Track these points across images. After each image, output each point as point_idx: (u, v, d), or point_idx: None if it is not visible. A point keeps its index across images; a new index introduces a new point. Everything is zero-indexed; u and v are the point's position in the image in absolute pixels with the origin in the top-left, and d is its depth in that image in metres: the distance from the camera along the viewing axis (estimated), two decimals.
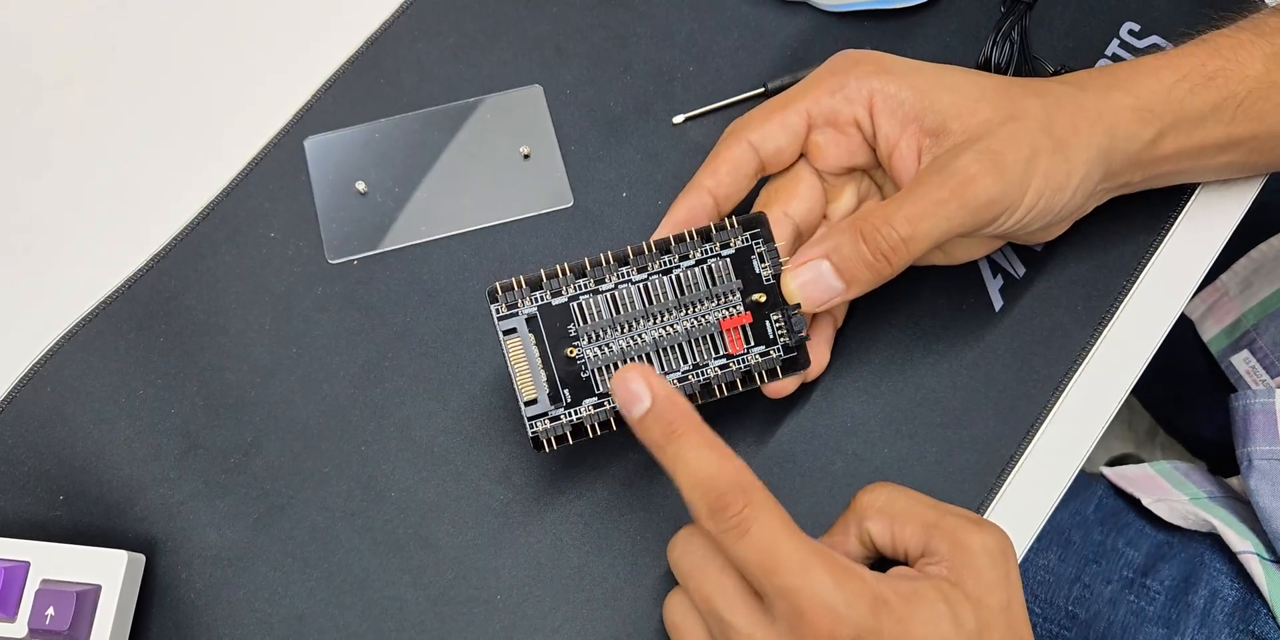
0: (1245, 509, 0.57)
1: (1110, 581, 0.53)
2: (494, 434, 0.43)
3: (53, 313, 0.45)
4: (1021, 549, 0.42)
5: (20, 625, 0.39)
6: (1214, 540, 0.54)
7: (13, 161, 0.48)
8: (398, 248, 0.46)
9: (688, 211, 0.39)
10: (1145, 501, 0.56)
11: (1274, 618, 0.50)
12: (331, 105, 0.48)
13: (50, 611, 0.38)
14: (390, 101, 0.48)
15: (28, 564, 0.40)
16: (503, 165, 0.47)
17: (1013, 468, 0.43)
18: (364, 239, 0.46)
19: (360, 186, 0.47)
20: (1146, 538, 0.55)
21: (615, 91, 0.48)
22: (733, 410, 0.43)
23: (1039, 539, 0.53)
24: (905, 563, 0.36)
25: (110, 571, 0.40)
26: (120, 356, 0.44)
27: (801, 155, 0.41)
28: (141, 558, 0.41)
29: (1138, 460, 1.10)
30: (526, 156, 0.47)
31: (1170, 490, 0.58)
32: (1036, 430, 0.43)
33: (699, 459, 0.33)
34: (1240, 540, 0.52)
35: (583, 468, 0.43)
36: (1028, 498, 0.43)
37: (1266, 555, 0.52)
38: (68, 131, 0.49)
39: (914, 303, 0.45)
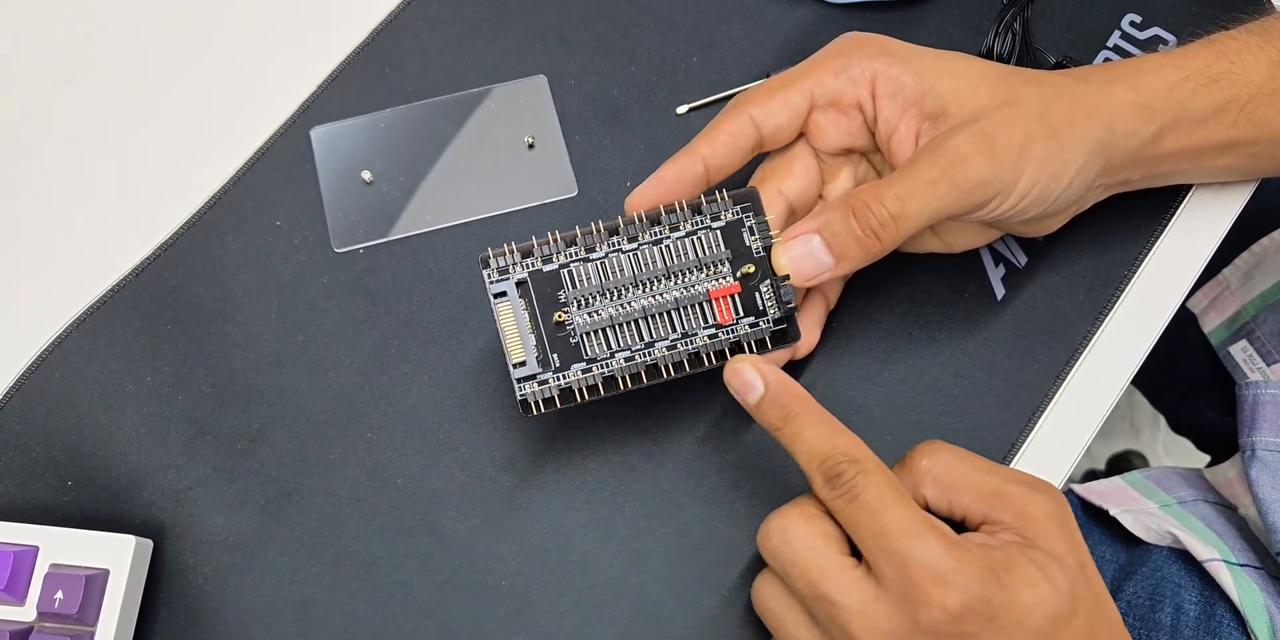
0: (1216, 511, 0.57)
1: None
2: (499, 421, 0.44)
3: (61, 300, 0.45)
4: None
5: (29, 609, 0.39)
6: (1175, 553, 0.54)
7: (21, 151, 0.49)
8: (403, 236, 0.46)
9: (676, 173, 0.39)
10: (1112, 511, 0.56)
11: (1241, 625, 0.50)
12: (337, 95, 0.49)
13: (59, 595, 0.38)
14: (395, 92, 0.49)
15: (36, 548, 0.40)
16: (507, 155, 0.48)
17: (1014, 455, 0.43)
18: (369, 228, 0.46)
19: (366, 176, 0.47)
20: (1109, 563, 0.55)
21: (619, 81, 0.49)
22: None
23: None
24: (963, 524, 0.37)
25: (118, 556, 0.40)
26: (127, 344, 0.45)
27: (801, 135, 0.41)
28: (149, 543, 0.42)
29: (1140, 456, 1.11)
30: (531, 146, 0.48)
31: (1140, 500, 0.58)
32: (1038, 418, 0.43)
33: (815, 436, 0.35)
34: (1206, 548, 0.52)
35: (587, 454, 0.43)
36: None
37: (1235, 560, 0.52)
38: (76, 121, 0.49)
39: (916, 291, 0.45)
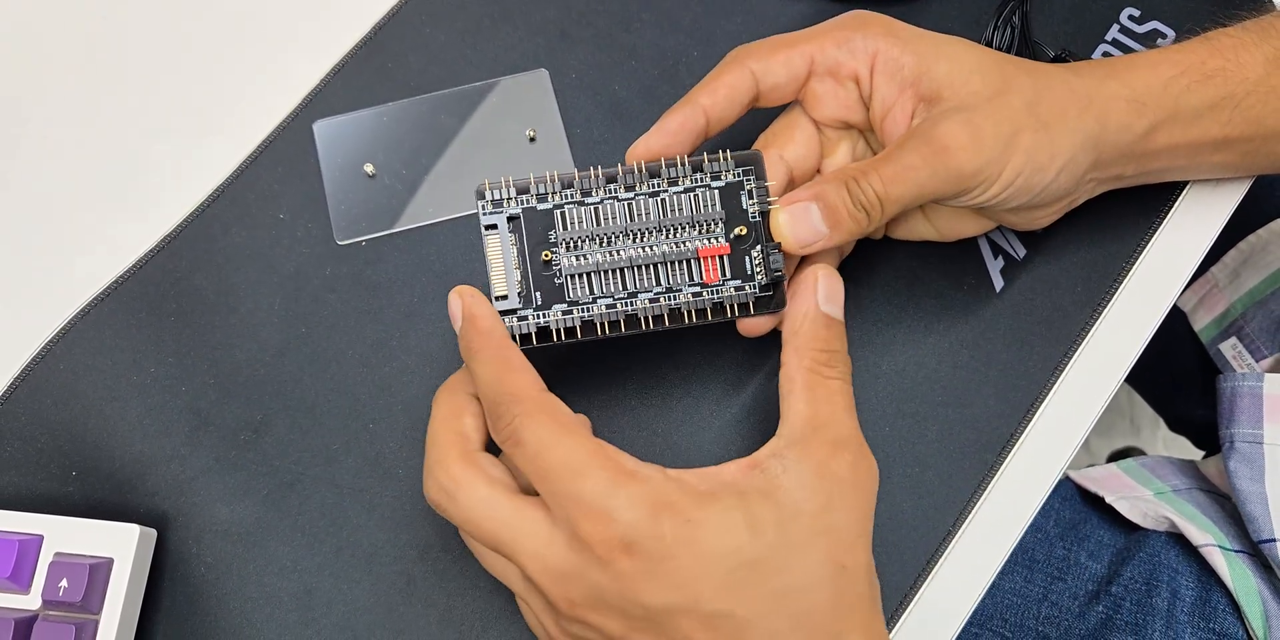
0: (1210, 499, 0.57)
1: (1077, 596, 0.53)
2: None
3: (66, 292, 0.46)
4: (1019, 527, 0.42)
5: (34, 597, 0.40)
6: (1172, 538, 0.54)
7: (25, 143, 0.49)
8: (405, 229, 0.47)
9: (679, 123, 0.39)
10: (1108, 498, 0.56)
11: (1236, 610, 0.51)
12: (340, 89, 0.49)
13: (63, 584, 0.39)
14: (398, 85, 0.49)
15: (41, 537, 0.40)
16: (509, 148, 0.48)
17: (1013, 446, 0.43)
18: (372, 220, 0.47)
19: (368, 169, 0.47)
20: (1106, 547, 0.55)
21: (620, 76, 0.49)
22: (733, 382, 0.44)
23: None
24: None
25: (122, 545, 0.40)
26: (132, 335, 0.45)
27: (797, 103, 0.41)
28: (153, 532, 0.42)
29: (1139, 452, 1.11)
30: (532, 140, 0.48)
31: (1135, 487, 0.59)
32: (1036, 410, 0.44)
33: (485, 375, 0.34)
34: (1201, 533, 0.52)
35: None
36: (1027, 477, 0.43)
37: (1229, 546, 0.52)
38: (80, 114, 0.49)
39: (915, 283, 0.45)
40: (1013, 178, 0.38)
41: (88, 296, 0.45)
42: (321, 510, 0.43)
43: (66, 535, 0.40)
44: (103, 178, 0.48)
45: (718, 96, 0.39)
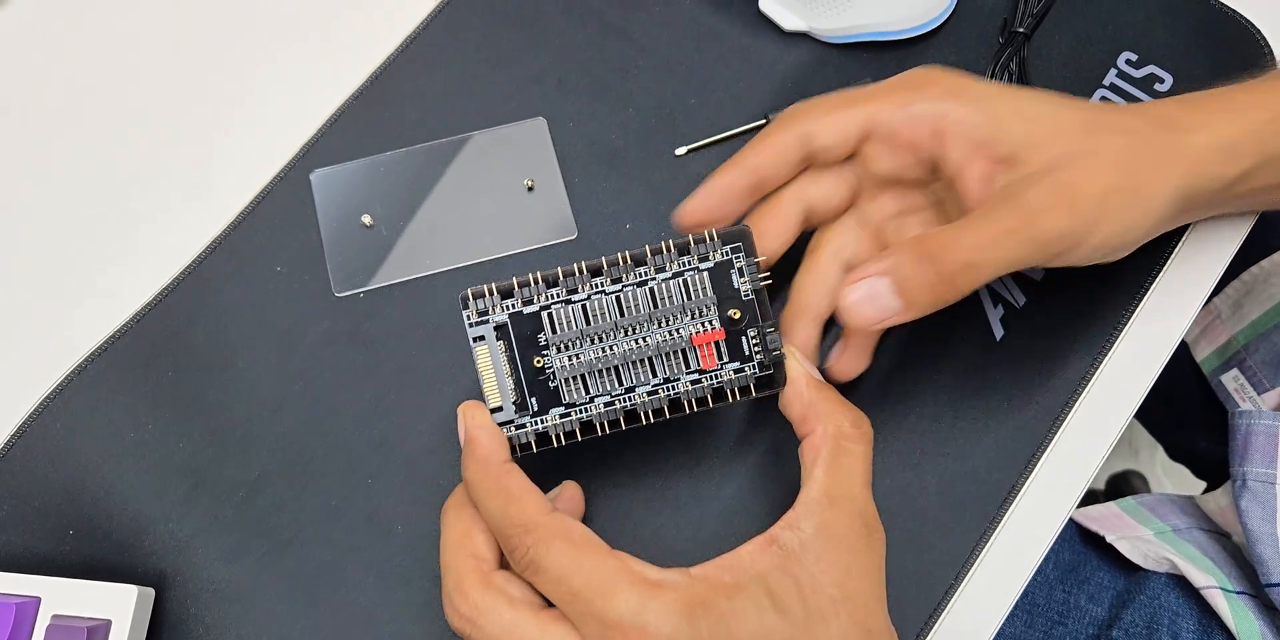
0: (1211, 539, 0.57)
1: None
2: None
3: (61, 348, 0.46)
4: (1022, 580, 0.42)
5: None
6: (1173, 580, 0.54)
7: (19, 194, 0.49)
8: (403, 280, 0.46)
9: (727, 184, 0.38)
10: (1109, 538, 0.56)
11: None
12: (337, 139, 0.49)
13: None
14: (395, 135, 0.49)
15: (38, 599, 0.40)
16: (507, 197, 0.48)
17: (1014, 498, 0.43)
18: (370, 271, 0.47)
19: (366, 219, 0.47)
20: (1107, 590, 0.55)
21: (618, 124, 0.49)
22: (738, 437, 0.44)
23: None
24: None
25: (120, 606, 0.40)
26: (128, 392, 0.45)
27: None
28: (151, 592, 0.42)
29: (1139, 476, 1.11)
30: (530, 189, 0.48)
31: (1135, 527, 0.58)
32: (1038, 460, 0.43)
33: (486, 506, 0.34)
34: (1203, 576, 0.52)
35: (585, 500, 0.43)
36: (1029, 529, 0.43)
37: (1232, 588, 0.52)
38: (74, 166, 0.49)
39: (915, 332, 0.45)
40: (1104, 241, 0.37)
41: (83, 353, 0.45)
42: (319, 569, 0.43)
43: (64, 597, 0.40)
44: (99, 230, 0.48)
45: (763, 157, 0.39)
